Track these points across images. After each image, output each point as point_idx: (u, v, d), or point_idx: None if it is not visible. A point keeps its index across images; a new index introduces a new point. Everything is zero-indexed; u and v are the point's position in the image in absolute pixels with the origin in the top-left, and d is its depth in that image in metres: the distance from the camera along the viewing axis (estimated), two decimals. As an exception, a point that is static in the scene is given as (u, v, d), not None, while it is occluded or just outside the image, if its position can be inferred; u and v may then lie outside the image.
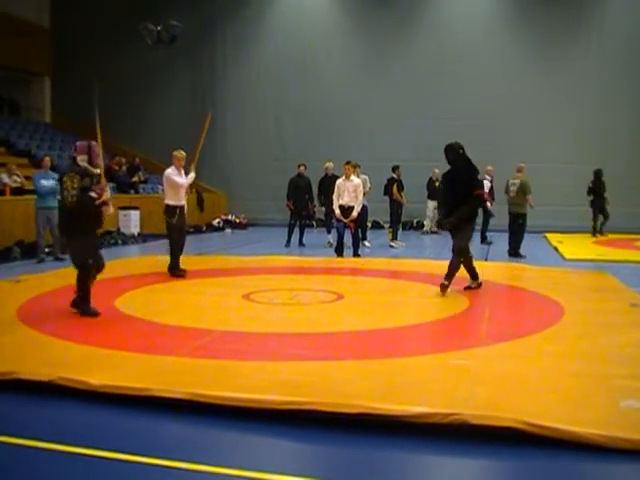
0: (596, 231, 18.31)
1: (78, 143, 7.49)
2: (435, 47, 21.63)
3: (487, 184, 16.57)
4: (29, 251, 13.30)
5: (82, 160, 7.29)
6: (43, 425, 4.39)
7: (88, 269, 7.19)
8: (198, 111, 23.76)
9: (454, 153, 8.98)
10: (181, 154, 10.62)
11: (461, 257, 8.85)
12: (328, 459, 3.99)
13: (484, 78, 21.14)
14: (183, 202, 10.55)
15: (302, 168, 16.27)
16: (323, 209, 16.14)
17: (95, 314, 7.15)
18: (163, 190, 11.07)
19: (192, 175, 10.63)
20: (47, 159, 13.58)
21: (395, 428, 4.17)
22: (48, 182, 12.86)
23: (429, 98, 21.53)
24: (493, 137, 20.75)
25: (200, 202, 22.07)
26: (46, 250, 13.01)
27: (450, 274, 8.70)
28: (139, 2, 23.57)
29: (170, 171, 10.53)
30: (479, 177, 14.68)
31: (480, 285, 9.14)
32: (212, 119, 11.77)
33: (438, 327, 6.98)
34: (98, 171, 7.35)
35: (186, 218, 10.85)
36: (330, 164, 15.81)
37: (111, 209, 7.47)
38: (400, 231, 17.46)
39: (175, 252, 10.47)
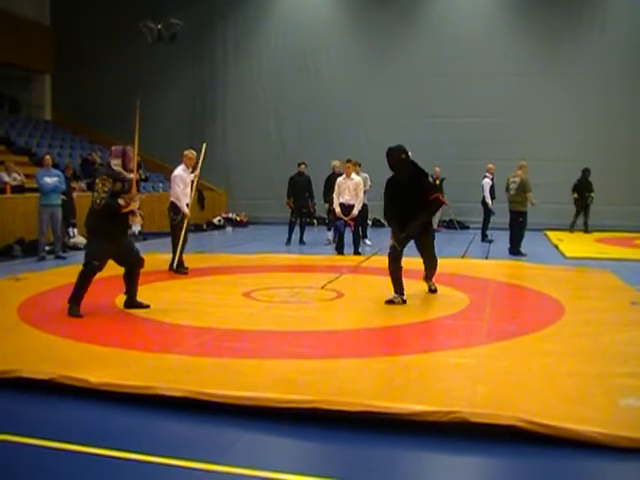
0: (574, 227, 18.45)
1: (113, 148, 7.53)
2: (436, 45, 21.61)
3: (488, 182, 16.61)
4: (30, 249, 13.29)
5: (116, 165, 7.31)
6: (44, 423, 4.39)
7: (90, 270, 7.20)
8: (198, 109, 23.91)
9: (394, 158, 7.95)
10: (192, 153, 10.71)
11: (435, 260, 8.51)
12: (329, 457, 3.99)
13: (485, 76, 21.10)
14: (188, 201, 10.57)
15: (302, 166, 16.30)
16: (328, 206, 16.19)
17: (78, 316, 7.09)
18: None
19: (195, 175, 10.67)
20: (48, 157, 13.58)
21: (396, 426, 4.17)
22: (51, 179, 12.85)
23: (430, 96, 21.51)
24: (494, 135, 20.77)
25: (201, 200, 22.05)
26: (47, 248, 12.99)
27: (431, 276, 8.64)
28: (140, 0, 23.56)
29: (180, 170, 10.56)
30: (486, 176, 14.35)
31: (404, 302, 7.94)
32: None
33: (438, 325, 6.99)
34: (131, 175, 7.38)
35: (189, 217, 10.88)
36: (337, 162, 15.80)
37: (138, 219, 7.46)
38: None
39: (178, 250, 10.48)
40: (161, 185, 21.48)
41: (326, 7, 23.16)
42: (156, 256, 12.51)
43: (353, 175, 13.08)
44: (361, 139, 21.34)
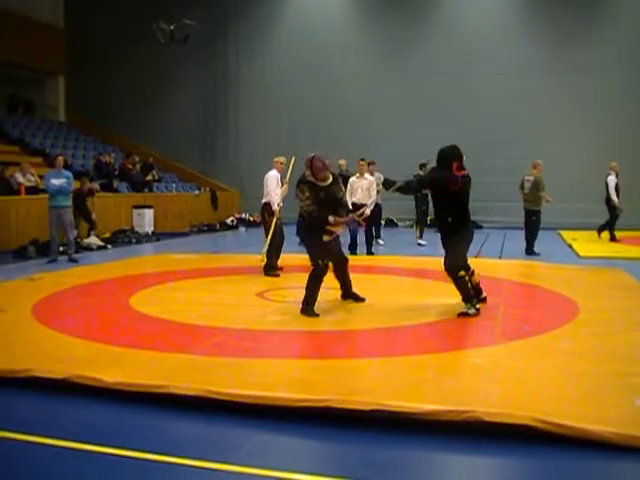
0: None
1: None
2: (450, 44, 21.53)
3: (613, 179, 16.13)
4: (44, 250, 13.29)
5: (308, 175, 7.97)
6: (58, 423, 4.42)
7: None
8: (211, 110, 23.95)
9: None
10: (281, 159, 10.99)
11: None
12: (341, 457, 3.98)
13: (499, 75, 20.98)
14: (281, 203, 10.80)
15: (314, 167, 16.28)
16: None
17: (314, 316, 7.30)
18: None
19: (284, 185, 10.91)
20: (60, 159, 13.34)
21: (409, 425, 4.16)
22: (58, 181, 12.61)
23: (443, 96, 21.42)
24: (508, 134, 20.64)
25: (214, 200, 22.11)
26: (60, 249, 12.96)
27: (467, 295, 7.30)
28: (152, 1, 23.65)
29: (274, 172, 10.88)
30: (610, 174, 15.03)
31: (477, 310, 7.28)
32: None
33: (452, 325, 6.96)
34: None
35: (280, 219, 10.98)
36: (343, 161, 15.74)
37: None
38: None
39: (272, 252, 10.57)
40: (174, 185, 21.54)
41: (338, 7, 23.15)
42: (169, 256, 12.57)
43: (366, 174, 13.03)
44: (375, 139, 21.26)
